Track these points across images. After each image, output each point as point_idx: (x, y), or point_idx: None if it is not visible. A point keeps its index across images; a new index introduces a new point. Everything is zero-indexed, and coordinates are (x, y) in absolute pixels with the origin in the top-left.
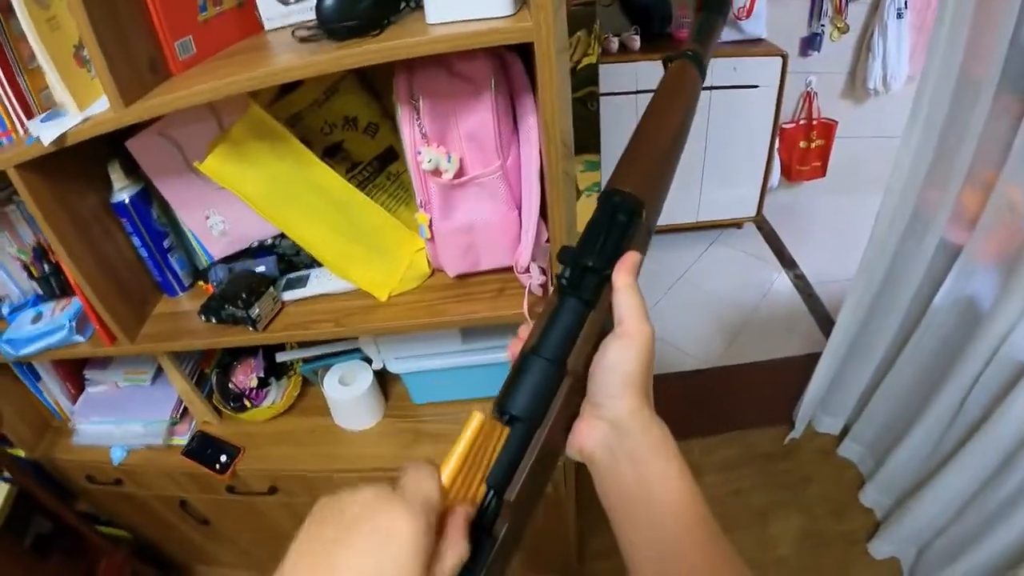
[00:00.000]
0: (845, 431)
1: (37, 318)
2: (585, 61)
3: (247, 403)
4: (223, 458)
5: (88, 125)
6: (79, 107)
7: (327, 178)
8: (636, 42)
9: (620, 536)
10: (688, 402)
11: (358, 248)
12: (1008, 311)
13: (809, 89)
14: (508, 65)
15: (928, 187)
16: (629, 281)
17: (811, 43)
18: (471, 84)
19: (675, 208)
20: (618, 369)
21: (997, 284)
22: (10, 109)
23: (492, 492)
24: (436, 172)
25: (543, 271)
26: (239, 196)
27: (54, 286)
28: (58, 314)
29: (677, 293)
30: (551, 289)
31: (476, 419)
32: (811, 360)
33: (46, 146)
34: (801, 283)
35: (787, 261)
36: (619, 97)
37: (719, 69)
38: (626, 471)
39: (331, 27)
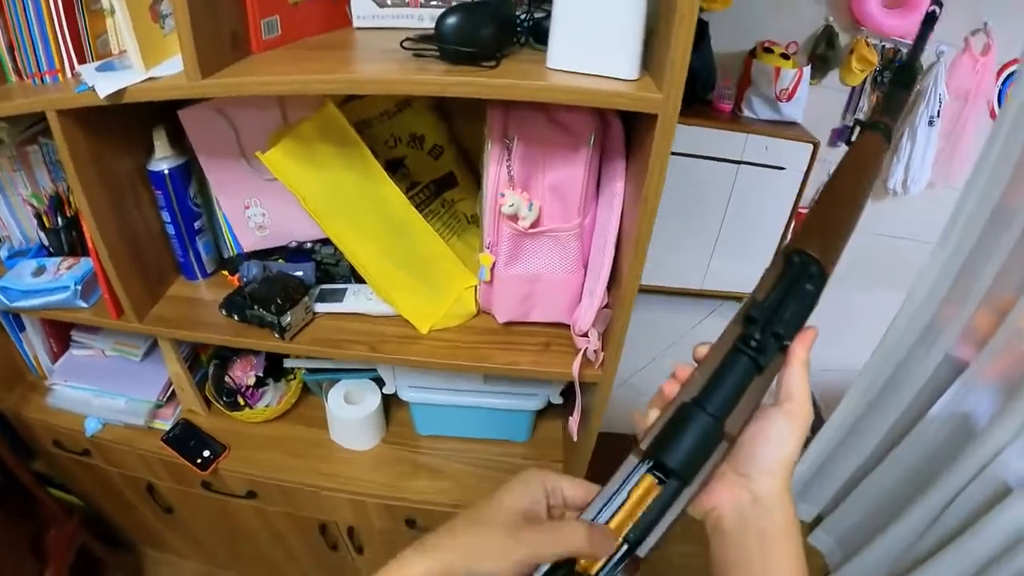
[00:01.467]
0: (818, 520)
1: (39, 271)
2: None
3: (241, 401)
4: (206, 453)
5: (152, 86)
6: (144, 64)
7: (391, 195)
8: None
9: None
10: None
11: (407, 274)
12: (1002, 431)
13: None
14: (607, 124)
15: (947, 302)
16: (806, 358)
17: (842, 135)
18: (570, 136)
19: (682, 271)
20: (779, 446)
21: (995, 404)
22: (62, 48)
23: (627, 547)
24: (514, 218)
25: (600, 336)
26: (295, 195)
27: (63, 242)
28: (63, 272)
29: (671, 356)
30: (602, 356)
31: (646, 483)
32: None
33: (101, 98)
34: None
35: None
36: None
37: (751, 145)
38: (754, 547)
39: (447, 48)
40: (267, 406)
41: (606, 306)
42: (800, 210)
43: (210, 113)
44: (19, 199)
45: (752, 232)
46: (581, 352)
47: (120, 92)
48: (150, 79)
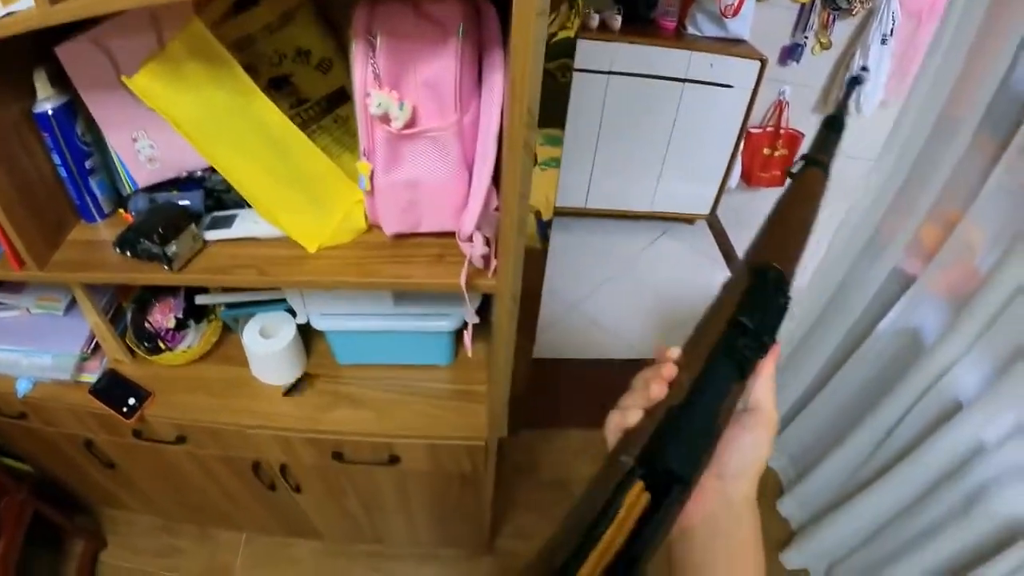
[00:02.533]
0: None
1: None
2: (562, 34)
3: (162, 345)
4: (131, 401)
5: (9, 20)
6: (2, 3)
7: (268, 113)
8: (617, 22)
9: None
10: (617, 390)
11: (291, 192)
12: (951, 348)
13: (782, 98)
14: (481, 14)
15: (891, 213)
16: (773, 371)
17: (792, 53)
18: (438, 27)
19: (631, 194)
20: (752, 452)
21: (944, 320)
22: None
23: (627, 560)
24: (385, 119)
25: (487, 241)
26: (168, 120)
27: None
28: None
29: (619, 280)
30: (494, 264)
31: (637, 489)
32: None
33: None
34: None
35: (734, 263)
36: (590, 75)
37: (696, 64)
38: (721, 552)
39: None
40: (188, 348)
41: (496, 209)
42: (751, 129)
43: (87, 46)
44: None
45: (699, 152)
46: (467, 259)
47: None
48: (8, 14)
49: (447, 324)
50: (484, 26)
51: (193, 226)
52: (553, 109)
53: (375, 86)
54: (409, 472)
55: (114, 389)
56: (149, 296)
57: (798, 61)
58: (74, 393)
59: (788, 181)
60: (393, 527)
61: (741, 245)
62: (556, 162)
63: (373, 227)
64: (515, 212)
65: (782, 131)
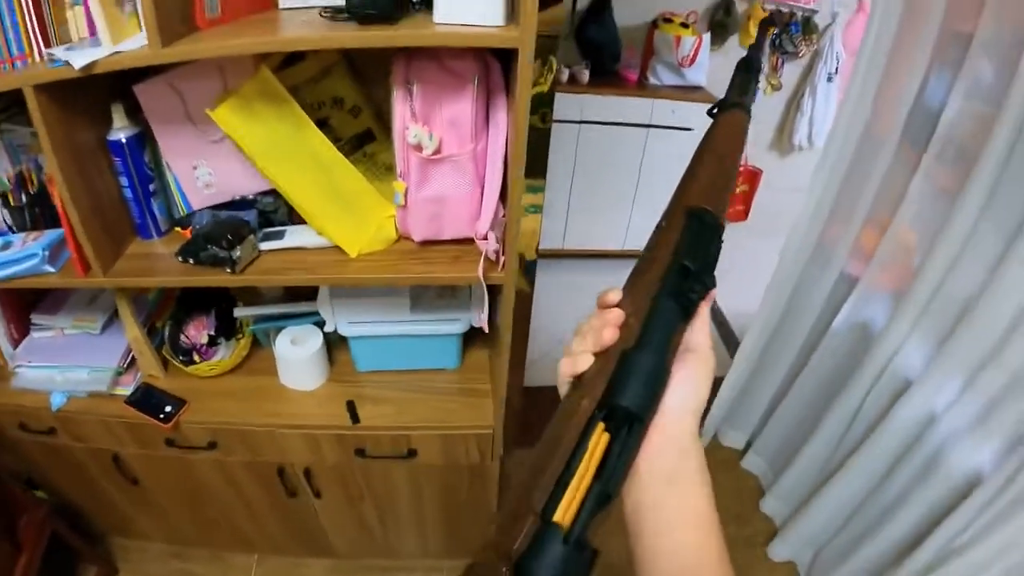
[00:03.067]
0: (748, 446)
1: (5, 247)
2: (536, 89)
3: (196, 358)
4: (167, 408)
5: (121, 57)
6: (112, 41)
7: (318, 143)
8: (585, 75)
9: (639, 544)
10: None
11: (336, 208)
12: (896, 333)
13: None
14: (489, 67)
15: (832, 224)
16: (707, 312)
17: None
18: (458, 78)
19: (603, 234)
20: (692, 391)
21: (888, 310)
22: (31, 35)
23: (600, 494)
24: (418, 147)
25: (498, 239)
26: (240, 146)
27: (27, 218)
28: (30, 244)
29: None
30: (503, 259)
31: (599, 430)
32: (721, 382)
33: (76, 70)
34: (715, 314)
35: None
36: (563, 124)
37: (658, 110)
38: (668, 489)
39: (358, 12)
40: (220, 360)
41: (503, 216)
42: None
43: (161, 86)
44: None
45: (665, 191)
46: (483, 255)
47: (92, 64)
48: (117, 52)
49: (456, 327)
50: (491, 77)
51: (252, 236)
52: (535, 160)
53: (412, 121)
54: (423, 467)
55: (150, 399)
56: (183, 315)
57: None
58: (109, 405)
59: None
60: (404, 535)
61: None
62: (538, 208)
63: (402, 237)
64: (519, 216)
65: (741, 168)
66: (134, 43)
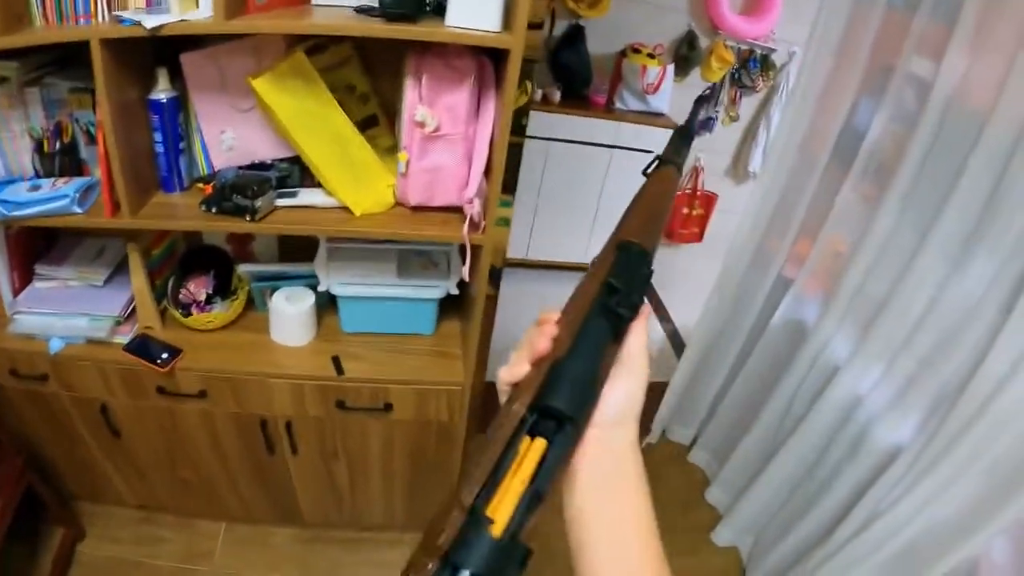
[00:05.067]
0: (695, 440)
1: (34, 188)
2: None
3: (194, 311)
4: (164, 355)
5: (186, 24)
6: (180, 10)
7: (338, 118)
8: (557, 96)
9: (582, 553)
10: None
11: (347, 174)
12: (826, 327)
13: (698, 164)
14: (483, 68)
15: (770, 234)
16: (644, 327)
17: (705, 125)
18: (459, 73)
19: (567, 248)
20: (627, 399)
21: (820, 308)
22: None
23: (533, 494)
24: (421, 125)
25: (481, 205)
26: (274, 114)
27: (55, 165)
28: (60, 186)
29: None
30: (483, 224)
31: (535, 442)
32: (667, 384)
33: (146, 29)
34: (668, 327)
35: (660, 309)
36: (534, 140)
37: (623, 133)
38: (607, 497)
39: (390, 11)
40: (217, 314)
41: (486, 188)
42: None
43: (204, 59)
44: (9, 134)
45: (623, 209)
46: (468, 217)
47: (160, 27)
48: (183, 20)
49: (436, 292)
50: (485, 75)
51: (272, 191)
52: (507, 174)
53: (420, 104)
54: (396, 424)
55: (147, 348)
56: (183, 273)
57: (711, 132)
58: (106, 352)
59: (645, 178)
60: (371, 501)
61: (664, 292)
62: (507, 222)
63: (399, 204)
64: (498, 187)
65: (699, 193)
66: (198, 13)
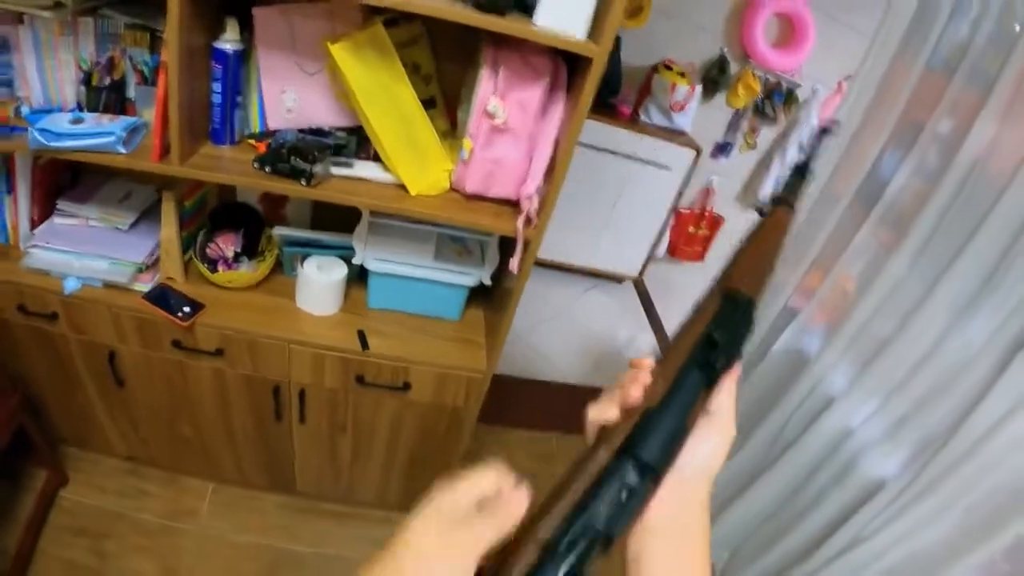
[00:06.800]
0: None
1: (76, 121)
2: None
3: (220, 268)
4: (186, 308)
5: None
6: None
7: (407, 95)
8: None
9: None
10: (552, 404)
11: (409, 152)
12: (827, 359)
13: (710, 186)
14: (558, 69)
15: (784, 263)
16: (734, 385)
17: (723, 149)
18: (535, 71)
19: (575, 251)
20: (710, 456)
21: (822, 340)
22: None
23: (608, 539)
24: (492, 116)
25: (538, 202)
26: (345, 82)
27: (100, 100)
28: (106, 123)
29: (556, 320)
30: (535, 221)
31: None
32: None
33: None
34: (662, 341)
35: (654, 321)
36: None
37: (645, 145)
38: (676, 546)
39: (480, 2)
40: (243, 272)
41: (544, 186)
42: (681, 209)
43: (277, 15)
44: (54, 62)
45: (635, 220)
46: (524, 213)
47: None
48: None
49: (470, 280)
50: (558, 76)
51: (330, 158)
52: None
53: (494, 95)
54: (411, 404)
55: (167, 299)
56: (213, 229)
57: (727, 156)
58: (123, 298)
59: (759, 217)
60: (368, 478)
61: (661, 306)
62: None
63: (453, 189)
64: (558, 188)
65: (707, 213)
66: None
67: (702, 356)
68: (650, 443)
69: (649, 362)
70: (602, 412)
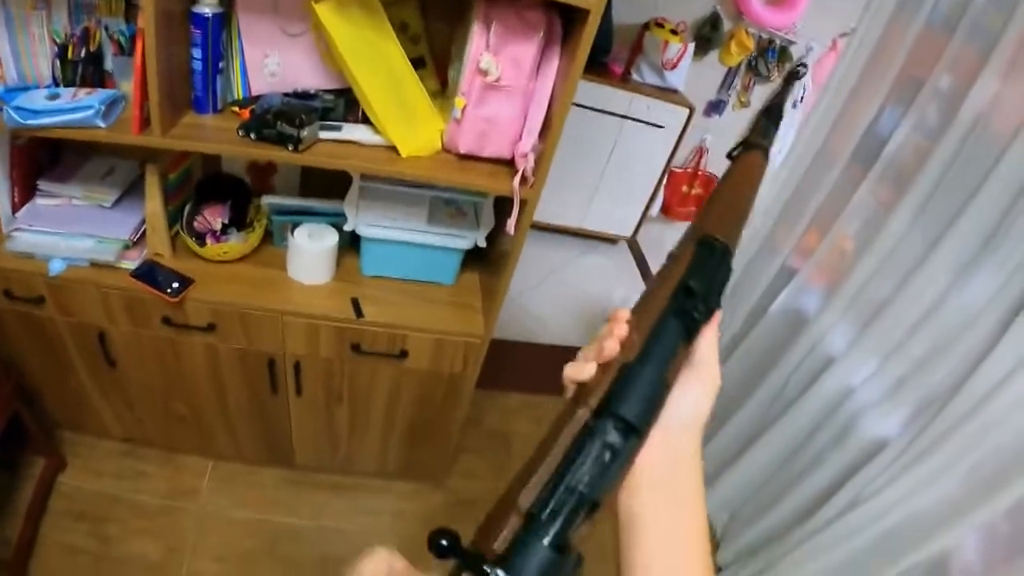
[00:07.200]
0: None
1: (53, 97)
2: None
3: (208, 241)
4: (175, 284)
5: None
6: None
7: (396, 54)
8: None
9: (630, 555)
10: (547, 367)
11: (399, 112)
12: (826, 320)
13: (703, 145)
14: (552, 23)
15: (782, 223)
16: (716, 332)
17: (716, 107)
18: (529, 26)
19: (567, 212)
20: (695, 407)
21: (820, 301)
22: None
23: (593, 504)
24: (484, 73)
25: (534, 160)
26: (331, 42)
27: (77, 74)
28: (83, 97)
29: (551, 282)
30: (531, 179)
31: None
32: None
33: None
34: None
35: (649, 281)
36: None
37: (636, 104)
38: (663, 500)
39: None
40: (232, 244)
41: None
42: (674, 168)
43: None
44: (27, 37)
45: (629, 181)
46: (520, 171)
47: None
48: None
49: (463, 243)
50: (553, 31)
51: (317, 121)
52: None
53: (486, 51)
54: (408, 372)
55: (156, 275)
56: (199, 201)
57: (720, 114)
58: (111, 277)
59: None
60: (367, 448)
61: (656, 267)
62: None
63: (445, 150)
64: (555, 144)
65: (700, 173)
66: None
67: (679, 305)
68: (630, 399)
69: (625, 313)
70: (579, 370)
